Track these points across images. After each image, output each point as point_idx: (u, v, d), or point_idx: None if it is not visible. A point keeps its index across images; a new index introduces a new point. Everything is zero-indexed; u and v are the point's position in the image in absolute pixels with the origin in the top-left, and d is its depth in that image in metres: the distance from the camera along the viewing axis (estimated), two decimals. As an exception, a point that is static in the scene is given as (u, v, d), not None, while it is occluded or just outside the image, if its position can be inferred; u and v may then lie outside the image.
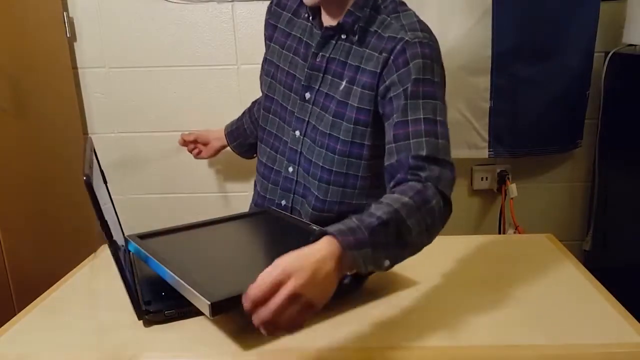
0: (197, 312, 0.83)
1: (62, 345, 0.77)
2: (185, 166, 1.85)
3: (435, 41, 1.02)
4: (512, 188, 1.78)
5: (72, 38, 1.75)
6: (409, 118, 0.94)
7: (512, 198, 1.78)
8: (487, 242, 1.11)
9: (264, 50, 1.25)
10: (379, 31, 1.02)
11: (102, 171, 1.01)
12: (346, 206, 1.10)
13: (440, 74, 1.00)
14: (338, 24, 1.05)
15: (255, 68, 1.79)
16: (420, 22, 1.03)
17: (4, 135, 1.37)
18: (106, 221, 0.77)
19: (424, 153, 0.91)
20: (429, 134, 0.92)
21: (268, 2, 1.23)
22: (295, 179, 1.14)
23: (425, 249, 0.85)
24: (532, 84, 1.69)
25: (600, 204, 1.74)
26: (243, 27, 1.72)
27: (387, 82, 0.99)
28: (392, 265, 0.80)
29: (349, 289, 0.90)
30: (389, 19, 1.02)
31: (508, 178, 1.81)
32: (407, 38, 0.98)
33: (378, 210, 0.79)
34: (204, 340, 0.77)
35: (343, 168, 1.08)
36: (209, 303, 0.72)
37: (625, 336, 0.74)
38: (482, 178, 1.84)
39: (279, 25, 1.18)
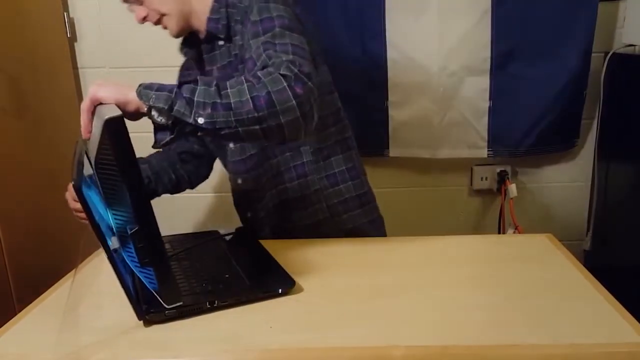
0: (197, 312, 0.83)
1: (62, 345, 0.77)
2: (185, 166, 1.85)
3: None
4: (512, 188, 1.78)
5: (73, 38, 1.75)
6: (252, 55, 0.96)
7: (511, 198, 1.78)
8: (487, 242, 1.11)
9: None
10: (245, 16, 1.05)
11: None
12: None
13: (280, 9, 1.00)
14: (207, 32, 1.10)
15: (255, 68, 1.80)
16: None
17: (4, 135, 1.37)
18: (98, 224, 0.77)
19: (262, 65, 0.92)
20: (266, 53, 0.93)
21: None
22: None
23: (426, 249, 0.84)
24: (531, 84, 1.69)
25: (600, 204, 1.74)
26: (243, 27, 1.72)
27: (244, 41, 1.04)
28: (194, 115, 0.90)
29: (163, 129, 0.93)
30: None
31: (508, 178, 1.81)
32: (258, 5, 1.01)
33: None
34: (204, 340, 0.77)
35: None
36: None
37: (625, 336, 0.74)
38: (481, 178, 1.85)
39: None
